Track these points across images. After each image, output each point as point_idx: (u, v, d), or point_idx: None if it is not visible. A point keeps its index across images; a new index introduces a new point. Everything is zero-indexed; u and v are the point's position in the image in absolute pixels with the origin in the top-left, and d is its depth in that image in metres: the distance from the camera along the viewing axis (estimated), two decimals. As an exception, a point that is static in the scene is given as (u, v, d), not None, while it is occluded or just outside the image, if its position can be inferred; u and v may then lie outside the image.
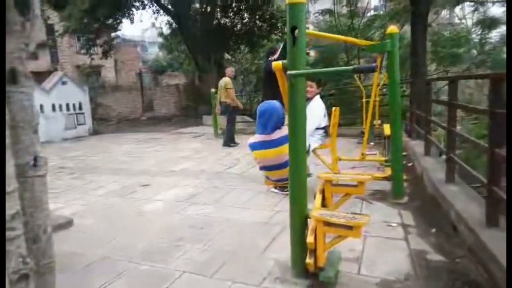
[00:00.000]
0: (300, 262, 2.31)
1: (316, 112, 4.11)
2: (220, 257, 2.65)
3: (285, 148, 4.09)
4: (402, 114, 4.62)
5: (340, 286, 2.21)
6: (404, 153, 4.43)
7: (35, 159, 1.00)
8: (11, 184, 0.84)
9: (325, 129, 4.29)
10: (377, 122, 5.99)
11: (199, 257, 2.67)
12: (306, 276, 2.28)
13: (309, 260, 2.20)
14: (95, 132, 12.47)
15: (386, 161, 4.36)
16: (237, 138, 8.06)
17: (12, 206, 0.83)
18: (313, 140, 4.10)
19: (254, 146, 4.20)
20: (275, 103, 4.06)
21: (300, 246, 2.31)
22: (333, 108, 4.19)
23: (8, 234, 0.81)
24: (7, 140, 0.90)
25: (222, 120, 9.88)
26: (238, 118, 10.90)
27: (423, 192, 3.80)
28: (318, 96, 4.31)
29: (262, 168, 4.22)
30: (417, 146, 5.23)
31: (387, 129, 4.55)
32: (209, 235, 3.08)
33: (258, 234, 3.03)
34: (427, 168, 4.00)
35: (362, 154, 4.54)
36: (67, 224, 3.40)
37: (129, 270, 2.53)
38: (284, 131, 4.08)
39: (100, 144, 9.82)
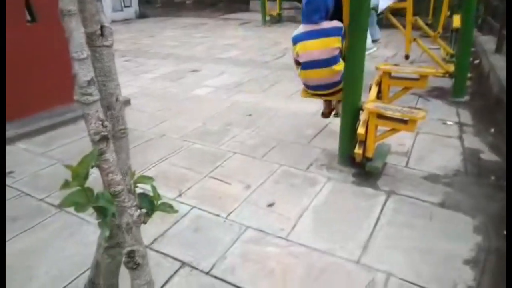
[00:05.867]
0: (348, 151, 2.34)
1: None
2: (268, 142, 2.76)
3: (332, 41, 3.65)
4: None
5: (386, 176, 2.26)
6: (472, 49, 4.00)
7: (102, 28, 0.99)
8: (84, 51, 0.85)
9: None
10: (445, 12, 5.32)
11: (248, 141, 2.79)
12: (352, 165, 2.33)
13: (357, 150, 2.22)
14: (141, 15, 12.27)
15: (451, 55, 3.98)
16: (286, 27, 7.55)
17: (86, 73, 0.85)
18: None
19: (296, 38, 3.73)
20: None
21: (349, 137, 2.32)
22: None
23: (86, 98, 0.85)
24: (75, 7, 0.88)
25: (270, 6, 9.26)
26: (286, 4, 10.09)
27: (487, 92, 3.53)
28: None
29: (303, 66, 3.77)
30: (488, 42, 4.70)
31: (456, 20, 4.04)
32: (257, 122, 3.15)
33: (305, 124, 3.06)
34: (496, 66, 3.63)
35: (438, 32, 4.09)
36: (125, 103, 3.60)
37: (184, 148, 2.73)
38: (334, 22, 3.67)
39: (147, 28, 9.74)
